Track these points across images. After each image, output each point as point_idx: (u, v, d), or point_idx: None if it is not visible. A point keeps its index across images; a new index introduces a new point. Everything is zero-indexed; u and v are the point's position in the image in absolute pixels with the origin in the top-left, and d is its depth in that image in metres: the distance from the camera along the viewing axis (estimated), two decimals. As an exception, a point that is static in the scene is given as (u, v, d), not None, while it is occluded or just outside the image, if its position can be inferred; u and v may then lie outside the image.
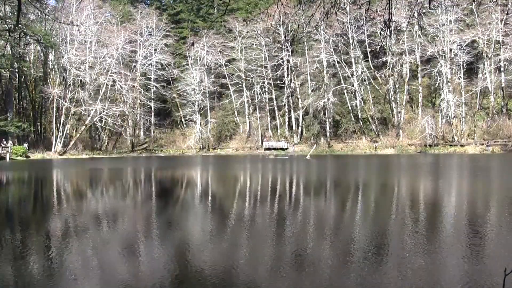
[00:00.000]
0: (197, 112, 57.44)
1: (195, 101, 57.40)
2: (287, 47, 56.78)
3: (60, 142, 48.17)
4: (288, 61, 56.45)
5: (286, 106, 57.45)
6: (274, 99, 57.28)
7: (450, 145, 46.35)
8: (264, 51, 56.77)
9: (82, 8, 51.28)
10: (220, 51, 57.66)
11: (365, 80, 52.91)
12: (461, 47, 47.78)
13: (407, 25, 47.80)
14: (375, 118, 51.41)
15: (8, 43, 42.32)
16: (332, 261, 5.76)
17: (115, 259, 6.06)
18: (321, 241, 6.96)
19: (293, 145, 54.35)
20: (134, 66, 57.56)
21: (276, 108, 57.39)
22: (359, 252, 6.14)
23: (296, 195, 13.66)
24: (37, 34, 45.71)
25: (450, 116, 47.81)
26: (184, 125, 59.01)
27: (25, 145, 44.65)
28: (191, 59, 57.86)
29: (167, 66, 58.87)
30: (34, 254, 6.32)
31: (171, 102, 61.36)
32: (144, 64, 59.19)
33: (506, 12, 46.24)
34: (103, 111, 49.44)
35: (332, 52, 52.02)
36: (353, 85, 51.62)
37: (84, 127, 51.13)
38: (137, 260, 6.02)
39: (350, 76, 51.78)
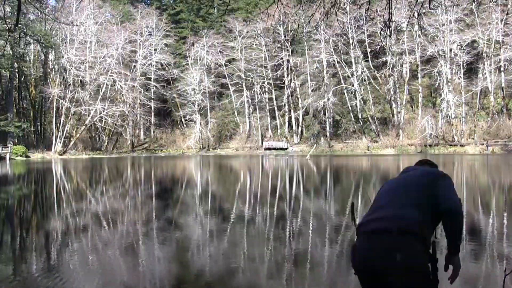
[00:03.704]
0: (197, 112, 57.42)
1: (195, 101, 57.38)
2: (287, 47, 56.80)
3: (60, 142, 48.16)
4: (288, 61, 56.45)
5: (286, 106, 57.43)
6: (274, 99, 57.27)
7: (450, 145, 46.35)
8: (264, 51, 56.75)
9: (82, 8, 51.26)
10: (220, 51, 57.65)
11: (365, 80, 52.89)
12: (461, 47, 47.75)
13: (407, 25, 47.77)
14: (375, 118, 51.39)
15: (8, 43, 42.28)
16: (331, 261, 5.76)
17: (116, 257, 6.06)
18: (312, 240, 6.95)
19: (292, 145, 54.34)
20: (134, 66, 57.54)
21: (276, 108, 57.37)
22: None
23: (296, 195, 13.65)
24: (37, 34, 45.71)
25: (450, 116, 47.79)
26: (184, 125, 58.99)
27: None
28: (191, 59, 57.86)
29: (167, 66, 58.84)
30: (32, 253, 6.33)
31: (171, 102, 61.34)
32: (144, 64, 59.17)
33: (506, 12, 46.21)
34: (103, 111, 49.41)
35: (332, 52, 51.99)
36: (353, 85, 51.59)
37: (84, 127, 51.10)
38: (137, 257, 6.03)
39: (350, 76, 51.75)
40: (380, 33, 47.51)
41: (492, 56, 47.25)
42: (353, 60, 52.19)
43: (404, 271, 2.27)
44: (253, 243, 6.97)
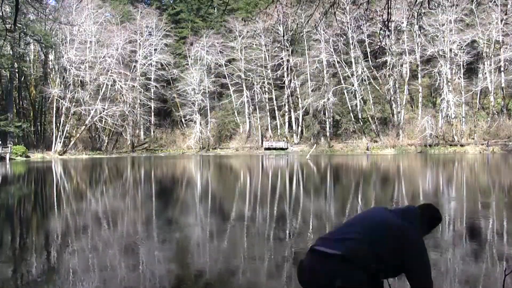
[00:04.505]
0: (197, 112, 57.42)
1: (195, 101, 57.38)
2: (287, 47, 56.79)
3: (60, 142, 48.16)
4: (288, 61, 56.43)
5: (286, 106, 57.43)
6: (274, 99, 57.26)
7: (450, 145, 46.37)
8: (264, 51, 56.75)
9: (82, 8, 51.24)
10: (220, 51, 57.65)
11: (365, 80, 52.88)
12: (461, 47, 47.74)
13: (407, 25, 47.78)
14: (375, 118, 51.39)
15: (8, 43, 42.25)
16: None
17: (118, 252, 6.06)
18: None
19: (292, 145, 54.34)
20: (134, 66, 57.54)
21: (276, 108, 57.37)
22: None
23: (295, 196, 13.66)
24: (37, 34, 45.70)
25: (450, 116, 47.79)
26: (184, 125, 58.98)
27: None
28: (191, 59, 57.86)
29: (167, 66, 58.84)
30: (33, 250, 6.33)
31: (171, 102, 61.34)
32: (144, 64, 59.16)
33: (505, 12, 46.21)
34: (103, 111, 49.41)
35: (332, 52, 51.99)
36: (353, 85, 51.59)
37: (84, 127, 51.10)
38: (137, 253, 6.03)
39: (350, 76, 51.75)
40: (380, 33, 47.50)
41: (492, 56, 47.23)
42: (353, 60, 52.18)
43: None
44: (252, 243, 6.97)
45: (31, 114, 52.65)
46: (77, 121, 52.22)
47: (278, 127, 57.82)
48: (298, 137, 55.80)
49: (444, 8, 47.41)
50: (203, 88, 57.94)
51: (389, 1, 3.97)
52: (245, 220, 9.08)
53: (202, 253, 6.32)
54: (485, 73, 48.67)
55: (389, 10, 3.95)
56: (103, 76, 51.58)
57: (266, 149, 53.99)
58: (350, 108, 52.19)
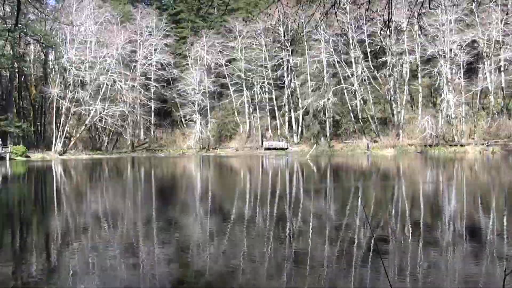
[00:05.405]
0: (197, 112, 57.40)
1: (195, 101, 57.34)
2: (287, 47, 56.78)
3: (60, 142, 48.13)
4: (288, 61, 56.41)
5: (286, 106, 57.40)
6: (274, 99, 57.22)
7: (450, 145, 46.34)
8: (264, 51, 56.72)
9: (82, 8, 51.21)
10: (220, 51, 57.61)
11: (365, 80, 52.83)
12: (461, 47, 47.69)
13: (407, 25, 47.71)
14: (375, 118, 51.37)
15: (8, 43, 42.22)
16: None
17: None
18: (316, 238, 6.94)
19: (292, 145, 54.35)
20: (134, 66, 57.51)
21: (276, 108, 57.31)
22: (354, 251, 6.12)
23: (296, 196, 13.64)
24: (37, 34, 45.68)
25: (450, 116, 47.76)
26: (184, 125, 58.95)
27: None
28: (191, 59, 57.84)
29: (167, 66, 58.81)
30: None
31: (171, 102, 61.30)
32: (144, 64, 59.12)
33: (506, 12, 46.19)
34: (103, 111, 49.37)
35: (332, 52, 51.95)
36: (353, 85, 51.56)
37: (84, 127, 51.08)
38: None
39: (350, 76, 51.72)
40: (380, 33, 47.43)
41: (492, 56, 47.17)
42: (353, 60, 52.08)
43: None
44: (252, 243, 6.97)
45: (31, 114, 52.60)
46: (77, 121, 52.15)
47: (278, 127, 57.79)
48: (298, 137, 55.78)
49: (444, 8, 47.37)
50: (203, 88, 57.91)
51: (390, 1, 3.97)
52: (245, 220, 9.07)
53: (202, 252, 6.32)
54: (485, 73, 48.63)
55: (390, 10, 3.95)
56: (103, 76, 51.52)
57: (266, 149, 53.97)
58: (350, 108, 52.16)
